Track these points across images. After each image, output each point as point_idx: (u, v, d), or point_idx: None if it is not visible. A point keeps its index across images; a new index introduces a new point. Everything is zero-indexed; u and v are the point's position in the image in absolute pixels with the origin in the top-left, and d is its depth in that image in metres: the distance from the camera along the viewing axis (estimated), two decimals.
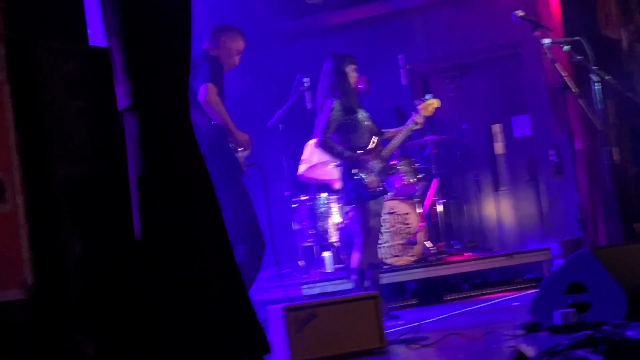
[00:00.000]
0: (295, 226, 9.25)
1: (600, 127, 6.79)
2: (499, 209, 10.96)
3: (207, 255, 4.23)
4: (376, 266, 7.29)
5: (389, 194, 7.80)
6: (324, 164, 9.05)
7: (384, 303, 6.66)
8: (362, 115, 7.23)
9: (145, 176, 4.17)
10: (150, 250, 4.08)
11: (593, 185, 8.68)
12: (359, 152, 7.15)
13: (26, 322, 3.50)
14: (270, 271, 9.31)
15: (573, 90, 6.25)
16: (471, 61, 10.92)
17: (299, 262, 9.33)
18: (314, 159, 9.36)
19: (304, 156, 9.47)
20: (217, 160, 6.45)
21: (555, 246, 9.25)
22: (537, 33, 6.43)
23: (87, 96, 3.84)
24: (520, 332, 5.08)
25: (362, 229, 7.14)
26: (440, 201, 9.75)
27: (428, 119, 7.67)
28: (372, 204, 7.13)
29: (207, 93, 6.51)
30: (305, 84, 9.30)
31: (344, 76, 7.21)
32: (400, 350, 5.23)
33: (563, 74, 6.22)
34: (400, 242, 8.79)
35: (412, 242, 8.74)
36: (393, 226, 8.75)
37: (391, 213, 8.72)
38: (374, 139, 7.26)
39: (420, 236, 8.78)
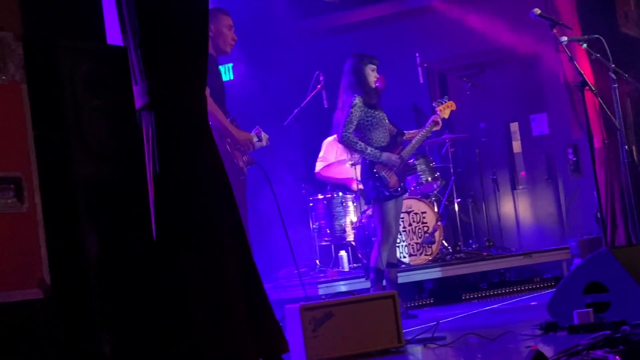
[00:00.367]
0: (313, 225, 9.25)
1: (619, 125, 6.76)
2: (516, 208, 10.93)
3: (225, 254, 4.24)
4: (394, 265, 7.29)
5: (407, 192, 7.79)
6: (341, 162, 9.06)
7: (401, 302, 6.66)
8: (382, 115, 7.23)
9: (162, 175, 4.19)
10: (167, 250, 4.09)
11: (612, 183, 8.63)
12: (380, 149, 7.14)
13: (44, 321, 3.51)
14: (288, 270, 9.34)
15: (591, 88, 6.22)
16: (489, 59, 10.90)
17: (316, 261, 9.33)
18: (331, 157, 9.37)
19: (321, 154, 9.48)
20: None
21: (573, 245, 9.22)
22: (555, 31, 6.41)
23: (105, 95, 3.85)
24: (538, 332, 5.06)
25: (382, 227, 7.14)
26: (458, 200, 9.73)
27: (446, 118, 7.68)
28: (391, 203, 7.12)
29: None
30: (322, 82, 9.31)
31: (363, 76, 7.21)
32: (417, 349, 5.23)
33: (581, 72, 6.19)
34: (418, 241, 8.78)
35: (429, 241, 8.73)
36: (410, 225, 8.74)
37: (408, 212, 8.71)
38: (397, 139, 7.27)
39: (437, 235, 8.77)
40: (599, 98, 6.47)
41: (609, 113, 6.71)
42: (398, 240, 8.27)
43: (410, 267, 8.56)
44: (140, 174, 4.07)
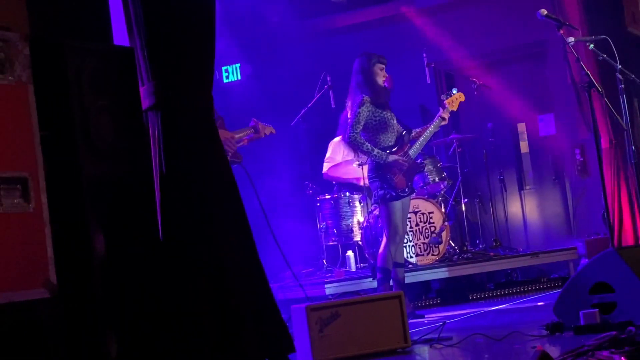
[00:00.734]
0: (320, 225, 9.25)
1: (626, 126, 6.74)
2: (524, 208, 10.91)
3: (231, 253, 4.25)
4: (401, 265, 7.28)
5: (414, 193, 7.78)
6: (348, 162, 9.05)
7: (408, 302, 6.65)
8: (390, 114, 7.22)
9: (168, 175, 4.19)
10: (173, 249, 4.10)
11: (619, 184, 8.61)
12: (387, 151, 7.13)
13: (50, 321, 3.52)
14: (295, 270, 9.33)
15: (598, 89, 6.20)
16: (496, 60, 10.88)
17: (323, 261, 9.34)
18: (338, 157, 9.37)
19: (328, 154, 9.47)
20: None
21: (580, 245, 9.20)
22: (561, 31, 6.38)
23: (111, 95, 3.86)
24: (544, 332, 5.05)
25: (389, 228, 7.13)
26: (465, 200, 9.72)
27: (453, 118, 7.67)
28: (398, 204, 7.11)
29: None
30: (329, 82, 9.31)
31: (371, 75, 7.20)
32: (424, 350, 5.22)
33: (587, 73, 6.17)
34: (425, 241, 8.77)
35: (436, 241, 8.72)
36: (417, 225, 8.74)
37: (415, 212, 8.71)
38: (404, 138, 7.25)
39: (444, 235, 8.76)
40: (605, 99, 6.45)
41: (615, 114, 6.68)
42: (405, 240, 8.26)
43: (417, 267, 8.55)
44: (146, 173, 4.08)
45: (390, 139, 7.19)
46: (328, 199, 9.22)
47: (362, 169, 8.33)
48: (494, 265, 8.90)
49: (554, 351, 4.18)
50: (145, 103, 4.20)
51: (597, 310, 4.91)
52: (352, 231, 9.12)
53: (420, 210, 8.77)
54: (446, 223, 8.81)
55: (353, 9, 10.93)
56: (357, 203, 9.15)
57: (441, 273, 8.59)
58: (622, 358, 3.33)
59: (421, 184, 8.81)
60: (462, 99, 7.63)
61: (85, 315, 3.68)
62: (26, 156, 3.49)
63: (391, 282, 7.10)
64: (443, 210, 8.90)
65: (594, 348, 3.61)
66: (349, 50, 7.98)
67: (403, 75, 9.58)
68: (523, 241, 10.68)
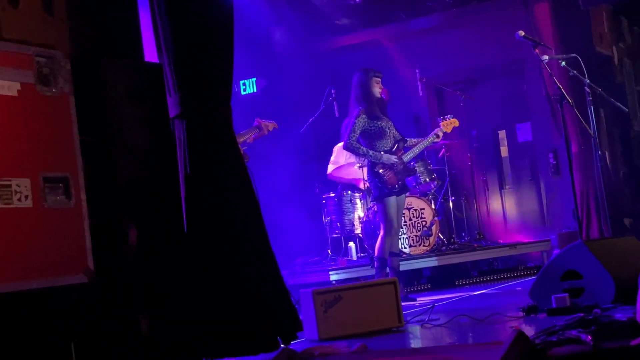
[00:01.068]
0: (325, 219, 9.25)
1: (593, 133, 6.71)
2: (504, 205, 10.88)
3: (248, 244, 4.24)
4: (396, 255, 7.26)
5: (408, 191, 7.76)
6: (350, 164, 9.04)
7: (402, 287, 6.64)
8: (386, 123, 7.20)
9: (192, 175, 4.19)
10: (197, 241, 4.09)
11: (587, 184, 8.60)
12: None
13: (88, 303, 3.51)
14: (302, 259, 9.34)
15: (569, 100, 6.18)
16: (479, 75, 10.86)
17: (328, 251, 9.33)
18: (341, 160, 9.35)
19: (332, 158, 9.46)
20: None
21: (553, 238, 9.18)
22: (537, 50, 6.37)
23: (142, 106, 3.85)
24: (521, 314, 5.04)
25: (385, 221, 7.11)
26: (452, 198, 9.70)
27: (448, 133, 7.70)
28: (392, 200, 7.09)
29: None
30: (334, 95, 9.31)
31: (368, 88, 7.18)
32: (416, 329, 5.21)
33: (560, 87, 6.16)
34: (417, 233, 8.76)
35: (427, 234, 8.71)
36: (410, 220, 8.73)
37: (409, 208, 8.69)
38: (398, 145, 7.25)
39: (434, 229, 8.75)
40: (575, 109, 6.43)
41: (584, 123, 6.66)
42: (400, 233, 8.24)
43: (410, 257, 8.53)
44: (173, 174, 4.07)
45: (386, 145, 7.17)
46: (332, 196, 9.22)
47: (362, 170, 8.32)
48: (477, 255, 8.88)
49: (529, 330, 4.17)
50: (172, 112, 4.20)
51: (567, 294, 4.89)
52: (353, 225, 9.10)
53: (413, 207, 8.76)
54: (436, 218, 8.79)
55: (355, 31, 10.93)
56: (357, 200, 9.13)
57: (431, 262, 8.58)
58: (589, 337, 3.31)
59: (414, 184, 8.80)
60: (456, 124, 7.71)
61: (119, 298, 3.67)
62: (68, 158, 3.49)
63: (387, 270, 7.08)
64: (433, 206, 8.89)
65: (564, 328, 3.58)
66: (351, 67, 7.96)
67: (398, 88, 9.58)
68: (503, 234, 10.64)
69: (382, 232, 7.12)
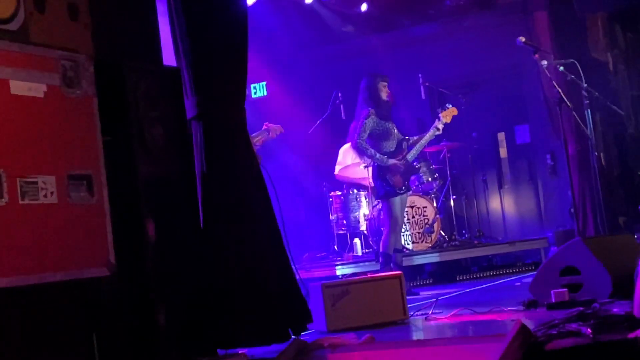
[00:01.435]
0: (332, 217, 9.25)
1: (590, 135, 6.71)
2: (503, 204, 10.87)
3: (261, 239, 4.25)
4: (399, 251, 7.26)
5: (411, 190, 7.76)
6: (356, 164, 9.04)
7: (405, 282, 6.63)
8: (392, 125, 7.22)
9: (208, 174, 4.20)
10: (212, 236, 4.10)
11: (583, 184, 8.57)
12: (387, 156, 7.14)
13: (110, 295, 3.53)
14: (310, 254, 9.35)
15: (568, 104, 6.18)
16: (480, 79, 10.85)
17: (334, 247, 9.34)
18: (348, 161, 9.36)
19: (339, 159, 9.47)
20: None
21: (550, 235, 9.17)
22: (536, 56, 6.37)
23: (161, 107, 3.86)
24: (521, 308, 5.03)
25: (389, 219, 7.12)
26: (453, 197, 9.70)
27: (445, 127, 7.64)
28: (397, 199, 7.10)
29: None
30: (340, 98, 9.31)
31: (376, 91, 7.20)
32: (419, 322, 5.20)
33: (559, 90, 6.15)
34: (419, 231, 8.75)
35: (429, 231, 8.70)
36: (413, 217, 8.72)
37: (412, 206, 8.69)
38: (402, 144, 7.26)
39: (436, 226, 8.74)
40: (573, 112, 6.43)
41: (582, 125, 6.66)
42: (403, 230, 8.24)
43: (413, 253, 8.53)
44: (190, 173, 4.08)
45: (391, 146, 7.19)
46: (339, 195, 9.22)
47: (368, 170, 8.32)
48: (477, 252, 8.88)
49: (530, 324, 4.15)
50: (190, 114, 4.20)
51: (566, 289, 4.88)
52: (358, 222, 9.11)
53: (416, 205, 8.75)
54: (437, 216, 8.79)
55: (361, 38, 10.93)
56: (363, 199, 9.13)
57: (433, 258, 8.57)
58: (589, 329, 3.31)
59: (417, 183, 8.80)
60: (455, 112, 7.67)
61: (139, 289, 3.68)
62: (91, 157, 3.50)
63: (391, 265, 7.08)
64: (435, 205, 8.89)
65: (565, 321, 3.58)
66: (357, 72, 7.96)
67: (402, 92, 9.56)
68: (502, 231, 10.64)
69: (387, 229, 7.13)
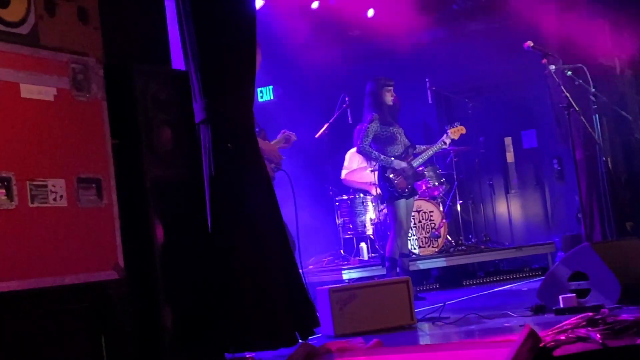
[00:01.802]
0: (338, 221, 9.25)
1: (597, 140, 6.70)
2: (509, 209, 10.86)
3: (268, 243, 4.25)
4: (406, 255, 7.26)
5: (417, 194, 7.76)
6: (363, 169, 9.05)
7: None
8: (397, 129, 7.22)
9: (216, 177, 4.20)
10: (220, 240, 4.10)
11: (590, 189, 8.55)
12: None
13: (119, 298, 3.52)
14: (317, 258, 9.35)
15: (575, 108, 6.17)
16: (487, 84, 10.84)
17: (341, 251, 9.33)
18: (354, 165, 9.36)
19: (345, 163, 9.47)
20: None
21: (557, 240, 9.15)
22: (544, 60, 6.37)
23: (170, 111, 3.87)
24: (529, 313, 5.02)
25: (394, 223, 7.12)
26: (460, 201, 9.69)
27: (455, 140, 7.69)
28: (402, 203, 7.11)
29: None
30: (347, 102, 9.31)
31: (380, 96, 7.22)
32: (426, 326, 5.20)
33: (567, 95, 6.15)
34: (426, 235, 8.75)
35: (435, 236, 8.70)
36: (420, 222, 8.72)
37: (418, 211, 8.69)
38: (408, 151, 7.27)
39: (442, 231, 8.73)
40: (581, 117, 6.42)
41: (589, 129, 6.66)
42: (409, 235, 8.24)
43: (419, 257, 8.53)
44: (198, 176, 4.09)
45: (397, 150, 7.20)
46: (345, 199, 9.22)
47: (374, 174, 8.33)
48: (484, 256, 8.88)
49: (538, 329, 4.15)
50: (198, 117, 4.21)
51: (574, 295, 4.88)
52: (365, 226, 9.11)
53: (423, 210, 8.75)
54: (444, 220, 8.79)
55: (367, 42, 10.93)
56: (369, 203, 9.14)
57: (440, 262, 8.57)
58: (597, 335, 3.30)
59: (423, 188, 8.81)
60: (464, 131, 7.72)
61: (147, 293, 3.68)
62: (100, 160, 3.50)
63: (397, 270, 7.08)
64: (441, 209, 8.89)
65: (574, 326, 3.57)
66: (364, 75, 7.97)
67: (409, 96, 9.57)
68: (509, 236, 10.62)
69: (392, 234, 7.13)
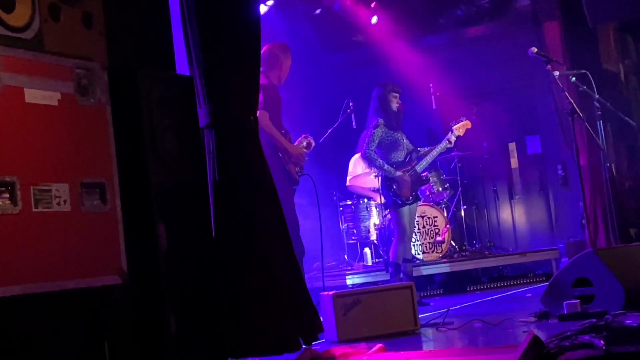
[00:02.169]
0: (342, 226, 9.25)
1: (602, 146, 6.69)
2: (513, 215, 10.85)
3: (272, 248, 4.24)
4: (409, 261, 7.25)
5: (421, 200, 7.76)
6: (367, 174, 9.04)
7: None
8: (400, 135, 7.22)
9: (220, 182, 4.20)
10: (225, 244, 4.10)
11: (595, 195, 8.54)
12: (395, 167, 7.15)
13: (122, 303, 3.52)
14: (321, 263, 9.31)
15: (579, 114, 6.17)
16: (491, 89, 10.85)
17: (345, 256, 9.32)
18: (358, 170, 9.36)
19: (350, 169, 9.47)
20: (272, 173, 6.35)
21: (561, 246, 9.14)
22: (548, 66, 6.36)
23: (174, 115, 3.86)
24: (533, 319, 5.01)
25: (398, 229, 7.12)
26: (464, 207, 9.68)
27: (456, 137, 7.65)
28: (405, 209, 7.11)
29: (259, 119, 6.31)
30: (351, 107, 9.31)
31: (386, 101, 7.22)
32: (430, 332, 5.19)
33: (571, 101, 6.14)
34: (430, 240, 8.73)
35: (439, 241, 8.69)
36: (423, 227, 8.71)
37: (422, 216, 8.68)
38: (411, 155, 7.27)
39: (446, 236, 8.72)
40: (585, 123, 6.41)
41: (594, 136, 6.65)
42: (413, 240, 8.23)
43: (423, 263, 8.51)
44: (202, 181, 4.08)
45: (400, 156, 7.20)
46: (349, 204, 9.22)
47: (378, 179, 8.32)
48: (488, 262, 8.86)
49: (542, 335, 4.14)
50: (202, 122, 4.21)
51: (578, 301, 4.87)
52: (369, 231, 9.10)
53: (427, 215, 8.74)
54: (448, 226, 8.77)
55: (372, 47, 10.94)
56: (373, 208, 9.13)
57: (444, 268, 8.55)
58: (601, 341, 3.29)
59: (427, 193, 8.80)
60: (469, 126, 7.67)
61: (150, 298, 3.68)
62: (104, 165, 3.51)
63: (401, 275, 7.07)
64: (445, 215, 8.87)
65: (577, 332, 3.56)
66: (368, 81, 7.98)
67: (413, 101, 9.58)
68: (513, 242, 10.61)
69: (395, 239, 7.13)
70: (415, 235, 8.44)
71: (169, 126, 3.80)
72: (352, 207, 9.17)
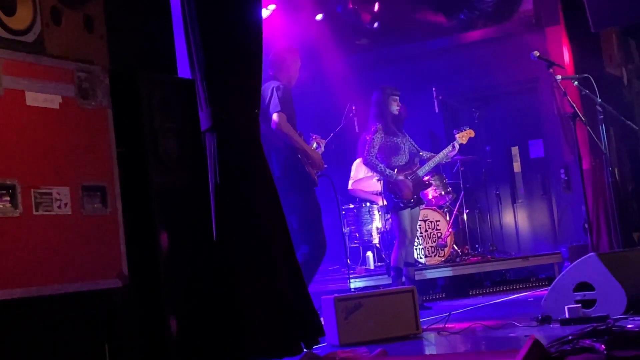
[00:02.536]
0: (345, 230, 9.24)
1: (604, 150, 6.68)
2: (516, 219, 10.83)
3: (274, 252, 4.24)
4: (412, 264, 7.24)
5: (423, 204, 7.75)
6: (369, 178, 9.04)
7: (418, 296, 6.61)
8: (401, 139, 7.21)
9: (221, 185, 4.20)
10: (225, 247, 4.09)
11: (597, 199, 8.52)
12: (396, 170, 7.15)
13: (123, 305, 3.52)
14: (323, 267, 9.31)
15: (581, 118, 6.16)
16: (493, 93, 10.84)
17: (347, 260, 9.31)
18: (360, 174, 9.36)
19: (352, 173, 9.46)
20: (292, 174, 6.36)
21: (564, 250, 9.12)
22: (551, 70, 6.35)
23: (176, 119, 3.87)
24: (534, 323, 5.00)
25: (399, 232, 7.12)
26: (466, 211, 9.67)
27: (463, 144, 7.67)
28: (406, 212, 7.11)
29: (278, 121, 6.30)
30: (354, 111, 9.31)
31: (385, 106, 7.22)
32: (432, 336, 5.18)
33: (573, 105, 6.13)
34: (432, 244, 8.73)
35: (442, 245, 8.68)
36: (426, 231, 8.70)
37: (425, 220, 8.67)
38: (414, 159, 7.27)
39: (449, 240, 8.71)
40: (588, 127, 6.40)
41: (596, 140, 6.64)
42: (416, 244, 8.22)
43: (425, 267, 8.51)
44: (203, 184, 4.09)
45: (401, 160, 7.21)
46: (352, 208, 9.21)
47: (380, 183, 8.32)
48: (490, 266, 8.85)
49: (543, 339, 4.12)
50: (204, 125, 4.21)
51: (579, 305, 4.86)
52: (371, 235, 9.09)
53: (429, 219, 8.74)
54: (450, 230, 8.77)
55: (374, 50, 10.95)
56: (375, 212, 9.12)
57: (446, 272, 8.55)
58: (603, 346, 3.28)
59: (430, 197, 8.79)
60: (472, 134, 7.70)
61: (151, 301, 3.67)
62: (105, 168, 3.50)
63: (403, 279, 7.06)
64: (448, 219, 8.87)
65: (579, 337, 3.55)
66: (370, 84, 7.97)
67: (415, 105, 9.56)
68: (515, 246, 10.59)
69: (397, 243, 7.13)
70: (418, 239, 8.44)
71: (170, 129, 3.80)
72: (355, 210, 9.16)
